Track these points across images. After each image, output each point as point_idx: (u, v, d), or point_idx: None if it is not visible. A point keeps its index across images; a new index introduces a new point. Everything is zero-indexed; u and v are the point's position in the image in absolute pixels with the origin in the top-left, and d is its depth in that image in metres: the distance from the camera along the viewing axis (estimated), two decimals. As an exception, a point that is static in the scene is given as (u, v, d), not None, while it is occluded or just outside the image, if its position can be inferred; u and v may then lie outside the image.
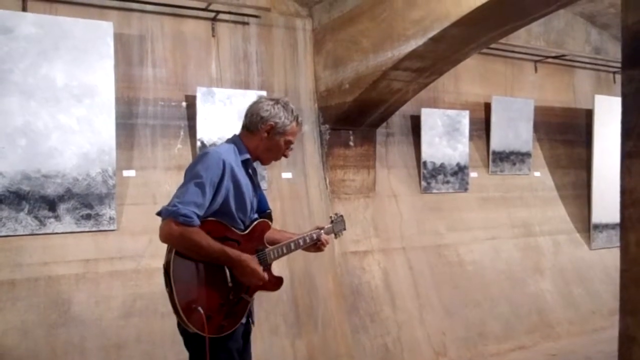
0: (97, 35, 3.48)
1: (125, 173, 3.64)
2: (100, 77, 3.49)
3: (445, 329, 4.33)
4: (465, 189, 5.08)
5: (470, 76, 5.29)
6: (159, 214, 1.99)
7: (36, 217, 3.30)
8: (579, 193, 5.93)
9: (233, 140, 2.22)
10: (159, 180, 3.74)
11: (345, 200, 4.41)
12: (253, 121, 2.19)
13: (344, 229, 2.61)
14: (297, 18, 4.44)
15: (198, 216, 1.95)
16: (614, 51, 6.50)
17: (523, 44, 5.50)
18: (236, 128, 3.89)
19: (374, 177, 4.58)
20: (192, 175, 2.00)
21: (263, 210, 2.28)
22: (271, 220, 2.29)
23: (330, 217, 2.59)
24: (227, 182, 2.05)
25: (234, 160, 2.10)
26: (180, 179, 3.70)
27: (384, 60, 3.51)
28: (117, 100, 3.57)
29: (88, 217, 3.44)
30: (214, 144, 3.87)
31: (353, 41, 3.90)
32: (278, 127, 2.17)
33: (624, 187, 2.18)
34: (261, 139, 2.19)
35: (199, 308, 1.93)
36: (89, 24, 3.46)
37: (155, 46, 3.87)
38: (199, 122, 3.83)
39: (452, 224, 4.89)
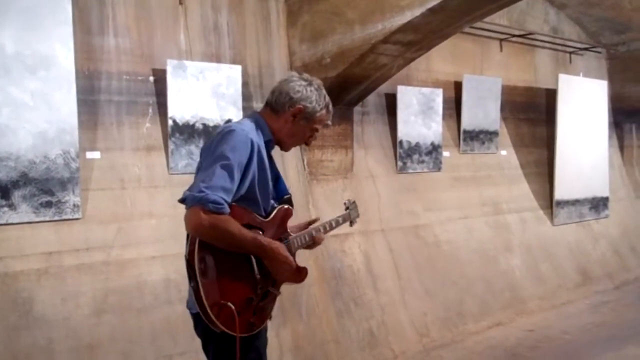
0: (53, -2, 3.05)
1: (89, 155, 3.26)
2: (57, 45, 3.07)
3: (426, 310, 4.29)
4: (439, 169, 5.03)
5: (441, 54, 5.20)
6: (182, 201, 1.73)
7: (-14, 207, 2.89)
8: (540, 171, 6.06)
9: (254, 118, 1.96)
10: (127, 163, 3.38)
11: (323, 181, 4.22)
12: (280, 101, 1.95)
13: (358, 216, 2.45)
14: (268, -13, 4.15)
15: (227, 202, 1.70)
16: (570, 31, 6.66)
17: (489, 22, 5.47)
18: (210, 105, 3.68)
19: (352, 158, 4.41)
20: (217, 156, 1.75)
21: (282, 195, 2.05)
22: (292, 205, 2.07)
23: (345, 203, 2.42)
24: (254, 165, 1.82)
25: (258, 140, 1.86)
26: (150, 160, 3.48)
27: (373, 33, 3.32)
28: (77, 73, 3.17)
29: (48, 204, 3.04)
30: (187, 123, 3.56)
31: (335, 12, 3.67)
32: (307, 111, 1.95)
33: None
34: (286, 121, 1.96)
35: (229, 304, 1.69)
36: (42, -16, 3.03)
37: (117, 12, 3.46)
38: (170, 99, 3.48)
39: (427, 204, 4.83)
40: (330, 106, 2.04)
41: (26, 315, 2.85)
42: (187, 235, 1.76)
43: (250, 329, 1.81)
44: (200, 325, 1.80)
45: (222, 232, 1.70)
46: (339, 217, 2.32)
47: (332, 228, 2.24)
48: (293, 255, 1.99)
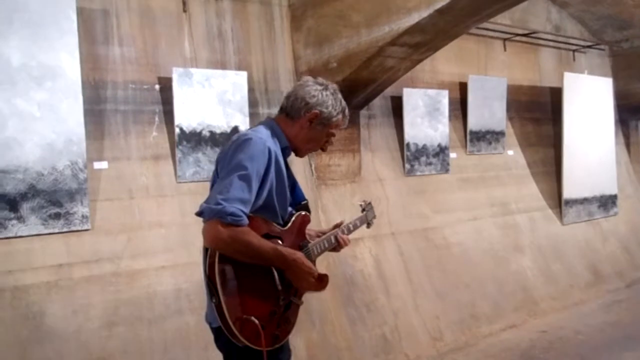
0: (58, 9, 3.03)
1: (97, 165, 3.23)
2: (63, 56, 3.05)
3: (439, 313, 4.24)
4: (447, 170, 4.99)
5: (445, 55, 5.17)
6: (199, 214, 1.69)
7: (-6, 220, 2.86)
8: (547, 170, 6.02)
9: (270, 125, 1.92)
10: (135, 172, 3.36)
11: (331, 186, 4.19)
12: (296, 106, 1.91)
13: (374, 217, 2.42)
14: (271, -7, 4.13)
15: (245, 214, 1.67)
16: (572, 29, 6.63)
17: (492, 22, 5.44)
18: (217, 112, 3.65)
19: (359, 161, 4.38)
20: (234, 165, 1.71)
21: (299, 201, 2.02)
22: (309, 211, 2.04)
23: (360, 205, 2.38)
24: (272, 174, 1.79)
25: (275, 148, 1.83)
26: (158, 169, 3.45)
27: (380, 35, 3.29)
28: (83, 83, 3.14)
29: (57, 216, 3.02)
30: (194, 130, 3.53)
31: (340, 16, 3.65)
32: (323, 116, 1.90)
33: None
34: (302, 127, 1.91)
35: (253, 318, 1.65)
36: (47, -5, 3.01)
37: (121, 22, 3.45)
38: (176, 107, 3.46)
39: (436, 206, 4.79)
40: (347, 110, 2.00)
41: (37, 329, 2.82)
42: (205, 250, 1.72)
43: (275, 342, 1.77)
44: (222, 339, 1.76)
45: (241, 245, 1.66)
46: (356, 219, 2.29)
47: (350, 232, 2.21)
48: (313, 263, 1.95)
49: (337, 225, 2.18)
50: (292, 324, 1.88)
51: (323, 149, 2.04)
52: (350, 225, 2.22)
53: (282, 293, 1.80)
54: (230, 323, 1.64)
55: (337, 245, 2.13)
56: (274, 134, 1.88)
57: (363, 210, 2.37)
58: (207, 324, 1.88)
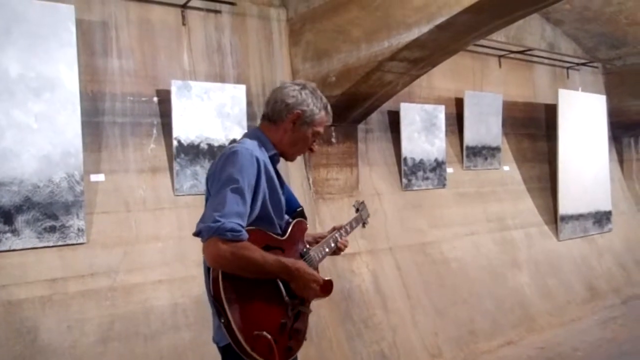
0: (57, 20, 3.03)
1: (93, 178, 3.20)
2: (61, 67, 3.04)
3: (437, 329, 4.20)
4: (444, 185, 5.00)
5: (441, 70, 5.20)
6: (197, 234, 1.65)
7: (-12, 233, 2.81)
8: (543, 186, 6.04)
9: (255, 135, 1.90)
10: (132, 185, 3.32)
11: (329, 200, 4.17)
12: (277, 109, 1.87)
13: (369, 216, 2.42)
14: (270, 7, 4.15)
15: (243, 228, 1.64)
16: (566, 47, 6.72)
17: (488, 38, 5.49)
18: (215, 125, 3.64)
19: (357, 176, 4.37)
20: (225, 180, 1.67)
21: (294, 209, 2.00)
22: (305, 217, 2.02)
23: (354, 205, 2.38)
24: (263, 183, 1.76)
25: (263, 157, 1.80)
26: (155, 182, 3.42)
27: (379, 50, 3.31)
28: (81, 95, 3.12)
29: (52, 229, 2.97)
30: (192, 143, 3.51)
31: (339, 31, 3.66)
32: (305, 115, 1.86)
33: None
34: (286, 130, 1.88)
35: (264, 333, 1.62)
36: (46, 7, 3.00)
37: (120, 34, 3.44)
38: (174, 119, 3.44)
39: (433, 221, 4.78)
40: (329, 107, 1.95)
41: (31, 345, 2.76)
42: (208, 269, 1.68)
43: (289, 355, 1.75)
44: (229, 357, 1.71)
45: (244, 261, 1.62)
46: (351, 220, 2.30)
47: (347, 233, 2.21)
48: (315, 269, 1.93)
49: (335, 229, 2.17)
50: (303, 334, 1.85)
51: (311, 150, 1.99)
52: (348, 227, 2.22)
53: (289, 303, 1.77)
54: (242, 341, 1.59)
55: (337, 249, 2.13)
56: (261, 143, 1.85)
57: (357, 210, 2.37)
58: (204, 343, 1.84)
